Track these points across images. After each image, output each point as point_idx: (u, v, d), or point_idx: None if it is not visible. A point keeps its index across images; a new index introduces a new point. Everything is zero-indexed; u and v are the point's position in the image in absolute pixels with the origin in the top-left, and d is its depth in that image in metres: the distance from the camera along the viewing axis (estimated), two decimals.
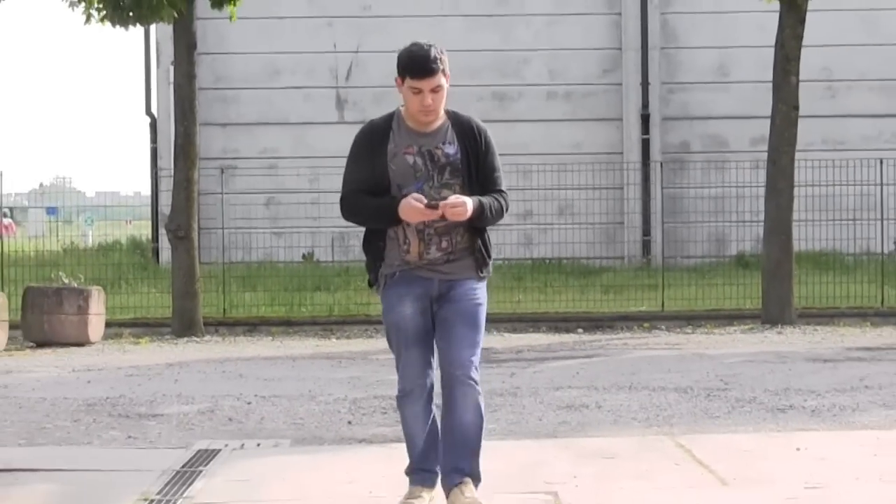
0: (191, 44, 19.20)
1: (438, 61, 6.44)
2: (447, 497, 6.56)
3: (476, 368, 6.57)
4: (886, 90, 28.91)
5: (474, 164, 6.58)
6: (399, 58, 6.49)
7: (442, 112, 6.61)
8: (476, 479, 6.61)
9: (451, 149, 6.57)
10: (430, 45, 6.49)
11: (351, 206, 6.62)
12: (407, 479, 6.76)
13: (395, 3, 27.36)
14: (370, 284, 6.78)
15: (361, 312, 19.35)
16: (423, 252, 6.53)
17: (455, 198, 6.39)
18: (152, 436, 10.12)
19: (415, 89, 6.46)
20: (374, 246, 6.61)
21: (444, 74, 6.49)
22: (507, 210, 6.66)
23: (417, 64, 6.44)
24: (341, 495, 7.28)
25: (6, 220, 41.66)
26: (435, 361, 6.70)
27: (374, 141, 6.58)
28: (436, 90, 6.47)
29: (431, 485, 6.67)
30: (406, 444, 6.76)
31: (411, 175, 6.52)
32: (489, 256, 6.70)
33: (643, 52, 29.05)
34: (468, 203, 6.39)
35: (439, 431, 6.70)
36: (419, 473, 6.68)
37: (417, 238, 6.51)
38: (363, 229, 6.77)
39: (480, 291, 6.66)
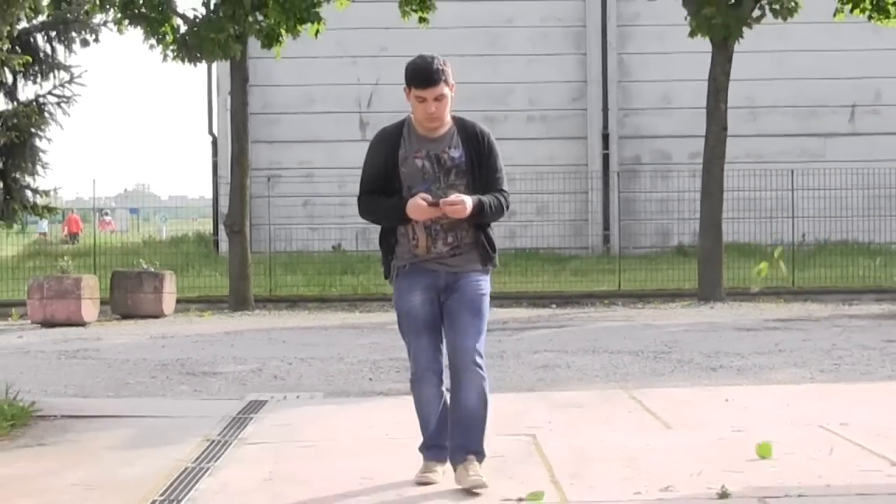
0: (244, 78, 19.22)
1: (441, 72, 5.68)
2: (455, 473, 5.81)
3: (481, 354, 5.77)
4: (796, 115, 28.96)
5: (478, 165, 5.79)
6: (406, 69, 5.75)
7: (448, 118, 5.83)
8: (480, 456, 5.80)
9: (457, 153, 5.78)
10: (433, 57, 5.73)
11: (366, 206, 5.88)
12: (421, 456, 6.00)
13: (407, 45, 27.17)
14: (386, 276, 6.05)
15: (380, 292, 19.39)
16: (431, 246, 5.76)
17: (454, 196, 5.62)
18: (213, 389, 10.12)
19: (419, 98, 5.70)
20: (386, 242, 5.89)
21: (447, 84, 5.72)
22: (507, 207, 5.86)
23: (421, 75, 5.68)
24: (363, 437, 7.28)
25: (107, 218, 42.03)
26: (444, 347, 5.92)
27: (386, 146, 5.82)
28: (439, 99, 5.70)
29: (444, 459, 5.88)
30: (419, 423, 5.96)
31: (420, 177, 5.75)
32: (493, 250, 5.91)
33: (604, 84, 29.09)
34: (467, 201, 5.62)
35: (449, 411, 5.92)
36: (432, 450, 5.92)
37: (425, 234, 5.74)
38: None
39: (484, 282, 5.86)
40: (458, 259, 5.81)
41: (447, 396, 5.91)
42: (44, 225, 34.63)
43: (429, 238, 5.77)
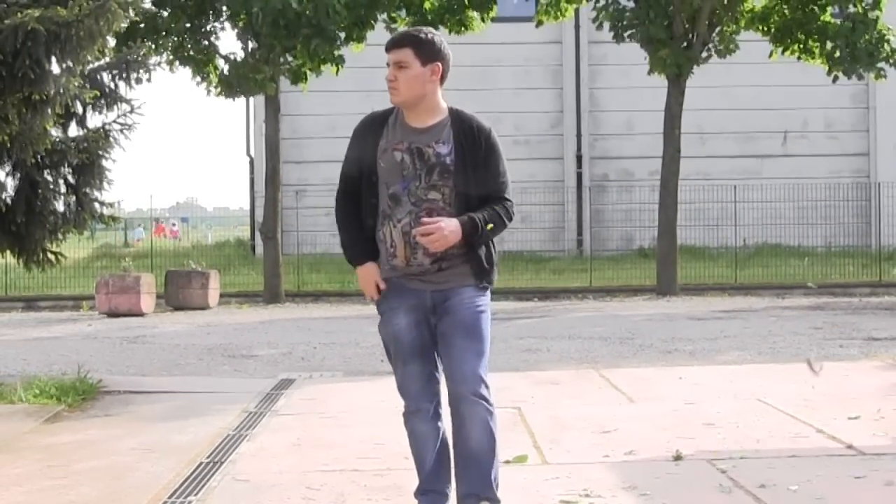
0: (277, 109, 19.24)
1: (412, 39, 4.05)
2: None
3: (483, 382, 4.12)
4: (738, 139, 28.98)
5: (471, 166, 4.07)
6: None
7: (444, 107, 4.14)
8: (493, 502, 4.19)
9: (444, 148, 4.06)
10: (419, 28, 4.15)
11: (337, 216, 4.25)
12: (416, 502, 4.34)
13: None
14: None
15: None
16: (410, 257, 4.07)
17: (430, 225, 3.96)
18: (250, 370, 10.12)
19: (386, 63, 4.08)
20: None
21: (421, 58, 4.03)
22: (510, 220, 4.19)
23: (392, 37, 4.12)
24: (376, 409, 7.28)
25: (174, 228, 42.29)
26: (440, 375, 4.27)
27: (368, 134, 4.16)
28: (399, 66, 4.02)
29: None
30: (414, 462, 4.32)
31: (398, 173, 4.05)
32: (491, 263, 4.19)
33: (577, 113, 29.10)
34: (448, 227, 3.95)
35: (451, 450, 4.26)
36: (428, 496, 4.27)
37: (403, 241, 4.06)
38: None
39: (480, 298, 4.18)
40: (446, 274, 4.12)
41: (445, 432, 4.29)
42: (141, 232, 35.01)
43: (407, 247, 4.08)
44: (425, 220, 4.00)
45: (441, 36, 4.12)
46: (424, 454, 4.25)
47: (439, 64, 4.09)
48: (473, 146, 4.11)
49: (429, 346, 4.18)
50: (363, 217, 4.17)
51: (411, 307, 4.15)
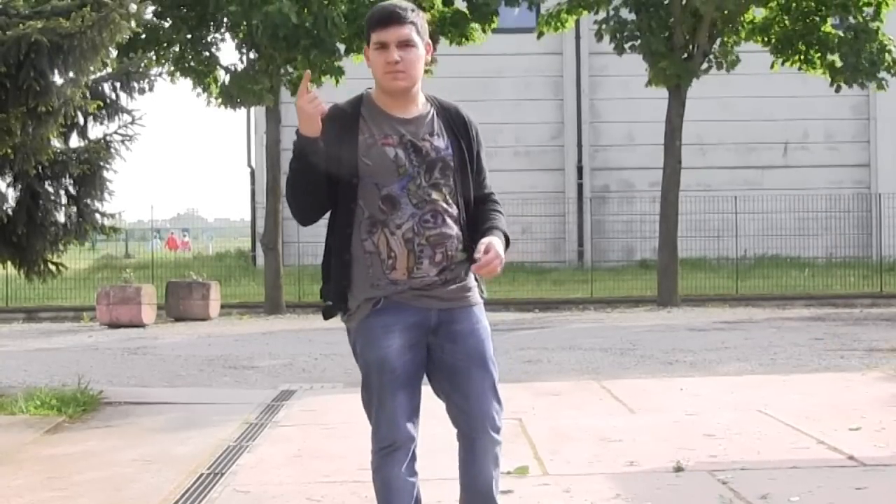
0: (278, 120, 19.29)
1: (414, 15, 3.47)
2: None
3: (500, 415, 3.68)
4: (738, 150, 29.01)
5: (469, 162, 3.60)
6: (366, 19, 3.53)
7: (421, 95, 3.59)
8: None
9: (441, 142, 3.54)
10: (404, 2, 3.52)
11: (287, 191, 3.61)
12: None
13: None
14: (328, 314, 3.70)
15: None
16: (413, 268, 3.46)
17: (490, 249, 3.45)
18: (251, 381, 10.12)
19: (379, 45, 3.44)
20: (338, 260, 3.56)
21: (420, 36, 3.47)
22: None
23: (382, 12, 3.46)
24: None
25: (185, 238, 42.13)
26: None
27: (339, 129, 3.48)
28: (404, 45, 3.43)
29: None
30: None
31: (393, 171, 3.45)
32: None
33: (578, 124, 29.15)
34: (497, 247, 3.49)
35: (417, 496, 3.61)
36: None
37: (406, 249, 3.45)
38: None
39: (484, 317, 3.68)
40: (453, 290, 3.55)
41: (419, 489, 3.63)
42: (157, 243, 35.03)
43: (411, 255, 3.47)
44: (484, 254, 3.45)
45: None
46: None
47: (430, 43, 3.59)
48: (468, 138, 3.63)
49: (418, 374, 3.55)
50: (336, 228, 3.58)
51: (410, 326, 3.50)
